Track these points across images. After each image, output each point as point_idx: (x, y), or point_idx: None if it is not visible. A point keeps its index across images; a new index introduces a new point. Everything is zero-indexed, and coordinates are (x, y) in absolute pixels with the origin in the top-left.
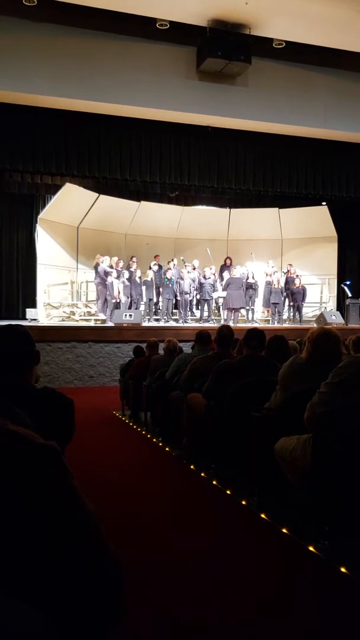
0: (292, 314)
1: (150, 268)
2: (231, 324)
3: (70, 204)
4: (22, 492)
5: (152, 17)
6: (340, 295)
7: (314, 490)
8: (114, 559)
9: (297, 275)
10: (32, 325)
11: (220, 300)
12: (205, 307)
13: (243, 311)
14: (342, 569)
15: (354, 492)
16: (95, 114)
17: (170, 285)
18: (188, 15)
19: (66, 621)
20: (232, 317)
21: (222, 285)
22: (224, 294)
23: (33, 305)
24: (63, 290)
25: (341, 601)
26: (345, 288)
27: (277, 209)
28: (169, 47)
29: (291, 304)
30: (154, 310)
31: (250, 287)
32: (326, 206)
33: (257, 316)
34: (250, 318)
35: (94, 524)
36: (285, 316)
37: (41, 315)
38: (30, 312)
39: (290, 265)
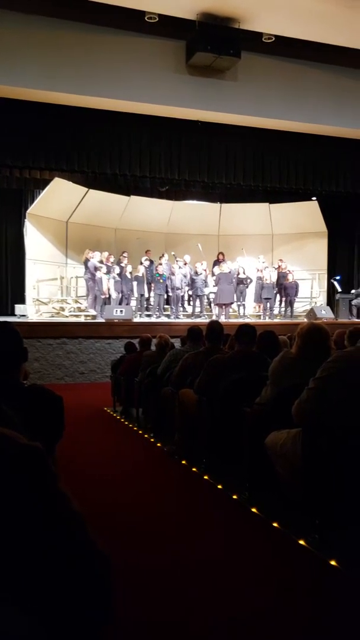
0: (283, 309)
1: (141, 263)
2: (222, 319)
3: (59, 199)
4: (5, 494)
5: (141, 10)
6: (330, 290)
7: (304, 484)
8: (101, 557)
9: (289, 271)
10: (21, 321)
11: (212, 296)
12: (197, 303)
13: (234, 306)
14: (332, 562)
15: (343, 486)
16: (83, 107)
17: (161, 281)
18: (177, 9)
19: (56, 621)
20: (223, 313)
21: (214, 280)
22: (215, 289)
23: (22, 301)
24: (52, 285)
25: (331, 594)
26: (335, 283)
27: (267, 204)
28: (158, 40)
29: (283, 298)
30: (145, 305)
31: (241, 283)
32: (316, 201)
33: (249, 311)
34: (241, 313)
35: (80, 524)
36: (275, 311)
37: (30, 311)
38: (19, 308)
39: (280, 260)
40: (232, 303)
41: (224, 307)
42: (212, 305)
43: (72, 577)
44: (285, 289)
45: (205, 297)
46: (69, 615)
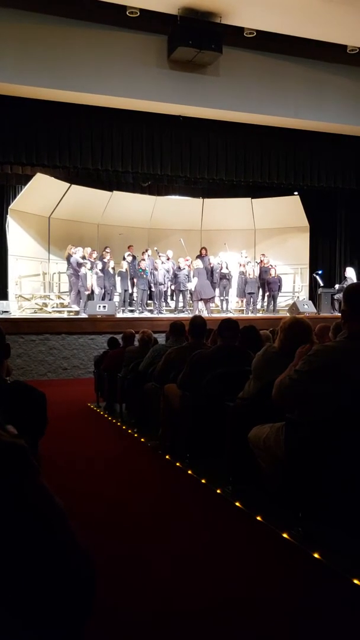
0: (266, 303)
1: (124, 259)
2: (205, 314)
3: (41, 194)
4: None
5: (122, 5)
6: (313, 284)
7: (287, 478)
8: (83, 555)
9: (272, 266)
10: (4, 317)
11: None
12: (180, 298)
13: (217, 301)
14: (316, 555)
15: (326, 479)
16: (65, 103)
17: (144, 276)
18: (158, 3)
19: (34, 618)
20: (205, 308)
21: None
22: (194, 285)
23: (4, 297)
24: (35, 281)
25: (315, 586)
26: (317, 277)
27: (249, 199)
28: (140, 35)
29: (267, 293)
30: (128, 301)
31: (224, 278)
32: (298, 196)
33: (232, 306)
34: (224, 308)
35: (62, 521)
36: (258, 306)
37: (13, 307)
38: (1, 304)
39: (263, 255)
40: (212, 297)
41: (204, 302)
42: (193, 300)
43: (53, 574)
44: (268, 283)
45: (188, 292)
46: (48, 612)
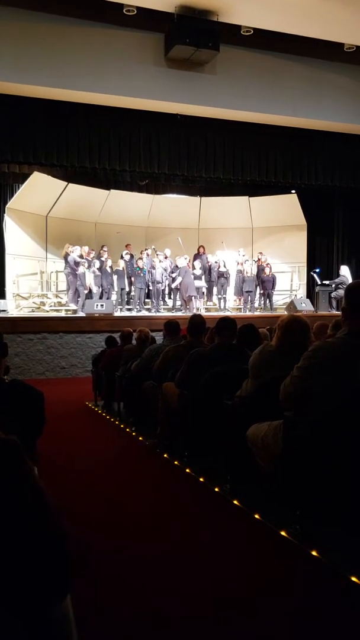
0: (263, 302)
1: (121, 257)
2: (199, 312)
3: (39, 193)
4: None
5: (119, 3)
6: (310, 282)
7: (285, 476)
8: (66, 549)
9: (267, 264)
10: (1, 316)
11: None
12: (178, 296)
13: (215, 299)
14: (314, 553)
15: (323, 477)
16: (62, 101)
17: (142, 275)
18: (155, 1)
19: (14, 603)
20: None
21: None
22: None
23: (2, 296)
24: (32, 280)
25: (312, 584)
26: (315, 276)
27: (247, 197)
28: (137, 33)
29: (262, 292)
30: (126, 300)
31: (222, 276)
32: (295, 194)
33: (229, 305)
34: (222, 307)
35: (50, 514)
36: (256, 304)
37: (10, 306)
38: None
39: (260, 253)
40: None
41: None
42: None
43: (37, 562)
44: (262, 282)
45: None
46: (26, 598)
